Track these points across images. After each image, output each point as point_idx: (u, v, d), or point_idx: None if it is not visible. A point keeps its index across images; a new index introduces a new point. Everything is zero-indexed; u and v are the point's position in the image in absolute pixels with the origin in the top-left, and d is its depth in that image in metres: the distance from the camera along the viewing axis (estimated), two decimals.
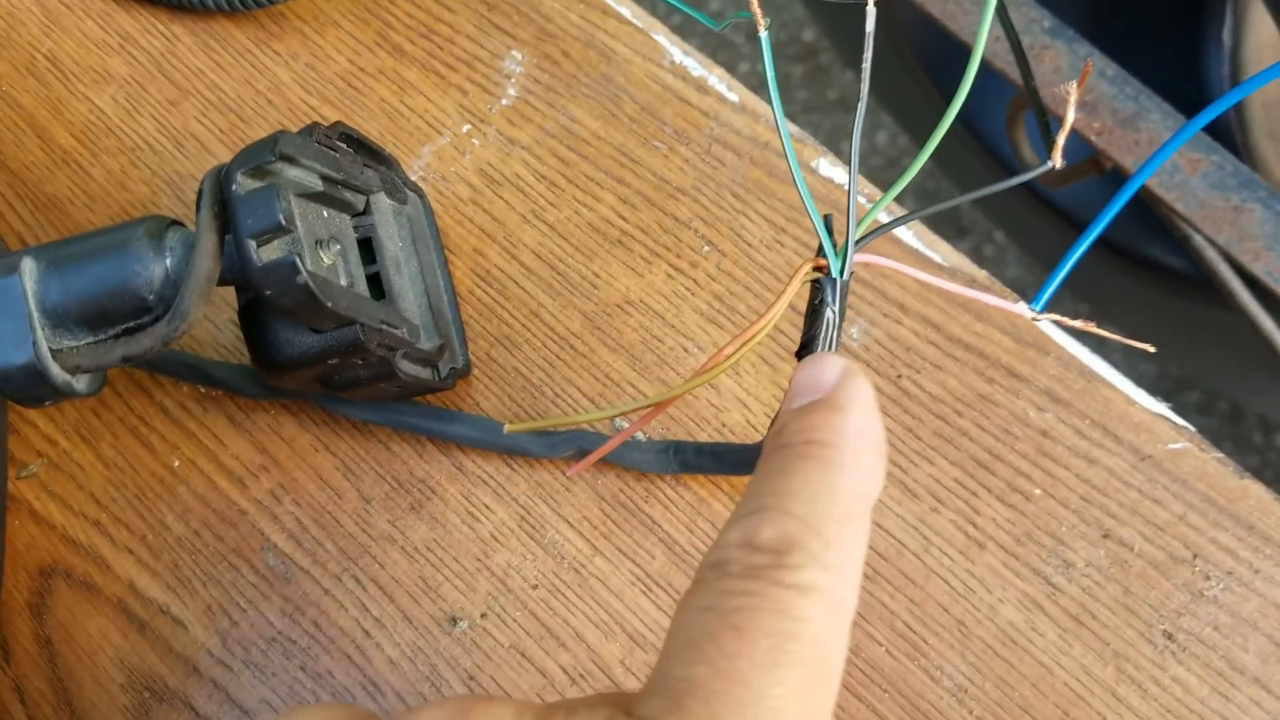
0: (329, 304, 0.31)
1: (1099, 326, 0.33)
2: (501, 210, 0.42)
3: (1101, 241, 0.68)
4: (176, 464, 0.40)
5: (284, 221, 0.31)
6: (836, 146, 1.44)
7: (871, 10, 0.32)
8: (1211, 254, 0.43)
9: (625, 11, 0.44)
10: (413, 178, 0.43)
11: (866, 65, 0.32)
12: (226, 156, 0.44)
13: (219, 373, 0.40)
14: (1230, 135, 0.61)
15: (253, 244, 0.31)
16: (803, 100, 1.44)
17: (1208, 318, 0.61)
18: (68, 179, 0.44)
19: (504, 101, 0.44)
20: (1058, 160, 0.33)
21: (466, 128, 0.43)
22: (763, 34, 0.33)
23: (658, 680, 0.22)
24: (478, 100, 0.44)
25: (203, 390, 0.41)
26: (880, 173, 1.39)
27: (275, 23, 0.46)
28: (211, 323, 0.42)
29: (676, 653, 0.23)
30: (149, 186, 0.44)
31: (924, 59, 0.68)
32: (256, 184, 0.32)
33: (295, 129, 0.44)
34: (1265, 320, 0.46)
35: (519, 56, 0.44)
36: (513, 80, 0.44)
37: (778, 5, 1.46)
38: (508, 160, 0.43)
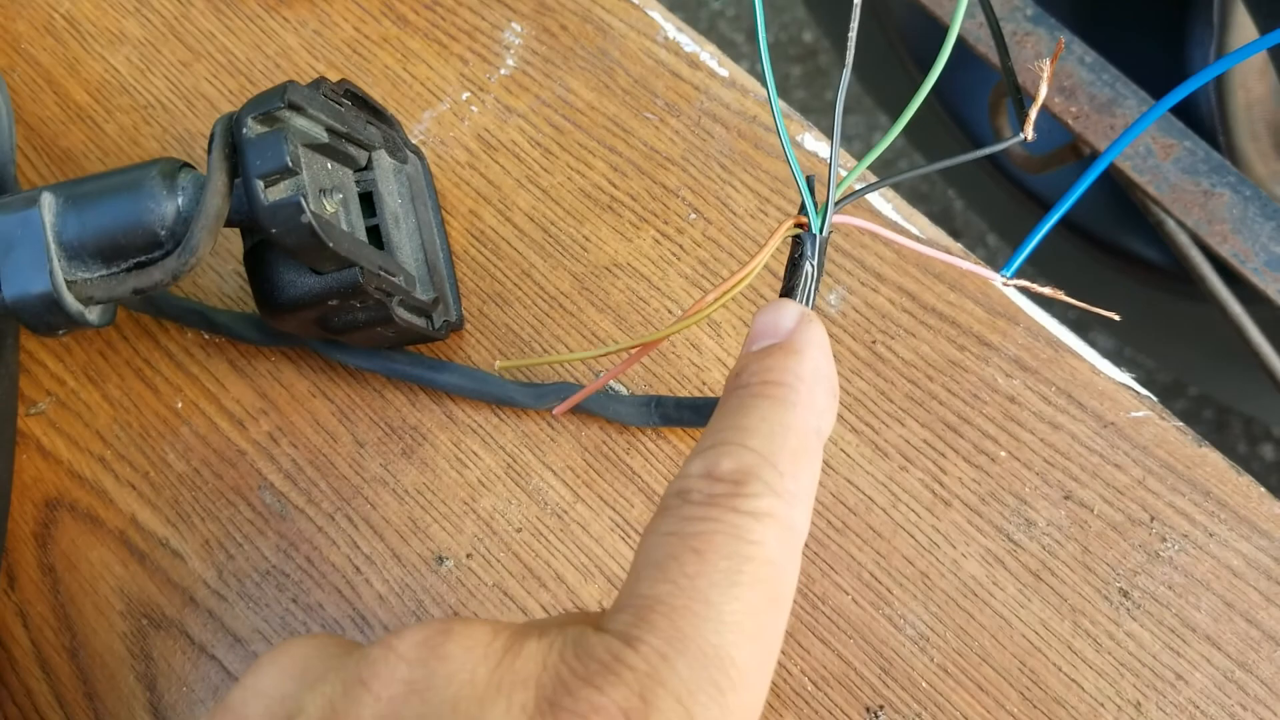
0: (330, 244, 0.33)
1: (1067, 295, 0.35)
2: (497, 174, 0.44)
3: (1083, 233, 0.69)
4: (179, 405, 0.42)
5: (290, 164, 0.32)
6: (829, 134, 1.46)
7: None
8: (1183, 239, 0.45)
9: None
10: (413, 141, 0.44)
11: (853, 35, 0.34)
12: None
13: (222, 319, 0.41)
14: (1214, 137, 0.63)
15: (260, 184, 0.32)
16: (801, 100, 1.46)
17: (1189, 313, 0.63)
18: (82, 134, 0.46)
19: (503, 71, 0.45)
20: (1029, 132, 0.34)
21: (466, 95, 0.45)
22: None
23: (624, 598, 0.24)
24: (477, 69, 0.45)
25: (206, 336, 0.42)
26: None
27: None
28: (216, 273, 0.43)
29: (642, 573, 0.24)
30: (160, 143, 0.45)
31: (916, 55, 0.70)
32: (265, 129, 0.33)
33: None
34: (1234, 305, 0.48)
35: (518, 29, 0.46)
36: (512, 51, 0.46)
37: (779, 6, 1.48)
38: (504, 127, 0.45)
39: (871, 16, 0.69)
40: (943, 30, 0.48)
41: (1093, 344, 0.40)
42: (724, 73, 0.45)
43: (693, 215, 0.43)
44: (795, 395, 0.26)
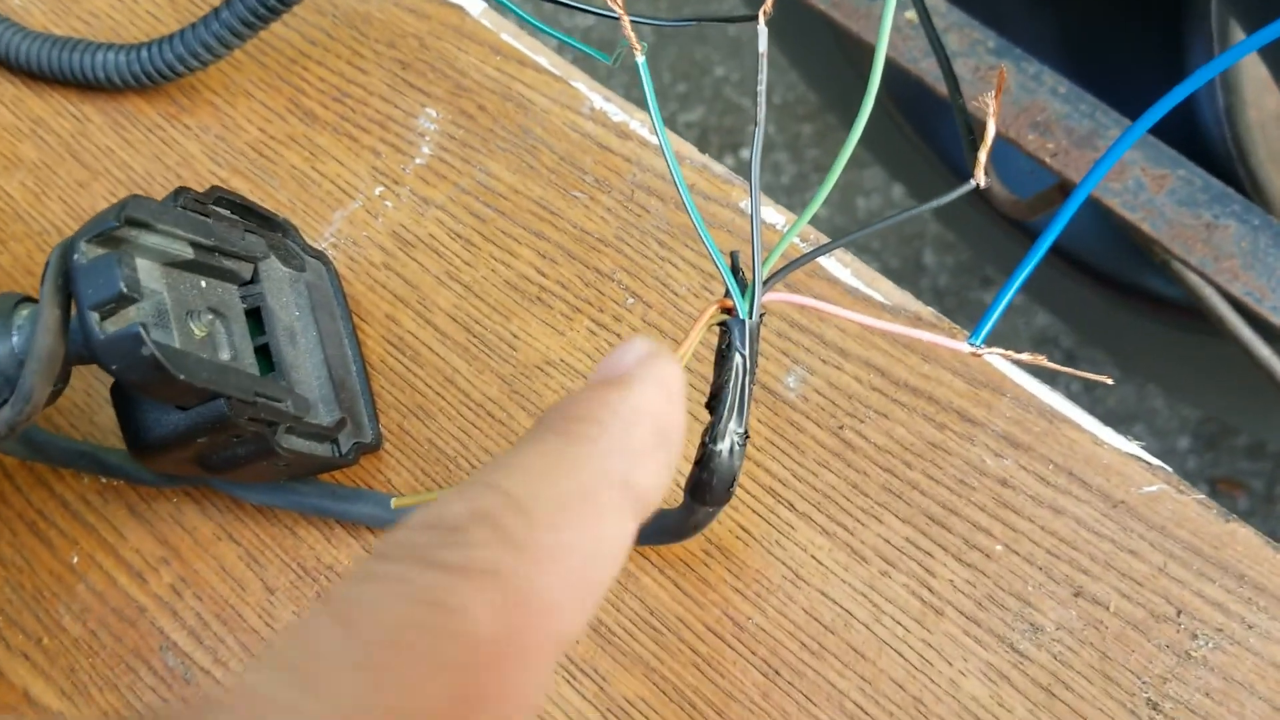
0: (181, 376, 0.29)
1: (1049, 359, 0.29)
2: (415, 273, 0.40)
3: (1095, 273, 0.64)
4: (75, 560, 0.38)
5: (126, 289, 0.28)
6: (849, 204, 1.41)
7: (763, 30, 0.30)
8: (1193, 278, 0.39)
9: (543, 60, 0.42)
10: (325, 244, 0.41)
11: (761, 89, 0.30)
12: None
13: (115, 460, 0.37)
14: (1229, 163, 0.57)
15: (95, 316, 0.28)
16: (814, 159, 1.42)
17: (1219, 352, 0.57)
18: None
19: (418, 161, 0.41)
20: (980, 178, 0.30)
21: (379, 190, 0.41)
22: (639, 58, 0.30)
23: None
24: (391, 161, 0.42)
25: (104, 481, 0.38)
26: (842, 210, 1.36)
27: (186, 95, 0.44)
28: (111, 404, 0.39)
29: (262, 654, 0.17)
30: None
31: (896, 96, 0.65)
32: (101, 252, 0.29)
33: None
34: (1260, 348, 0.42)
35: (433, 114, 0.42)
36: (427, 138, 0.42)
37: (781, 66, 1.45)
38: (422, 221, 0.40)
39: (846, 61, 0.65)
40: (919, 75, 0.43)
41: (1115, 399, 0.34)
42: (656, 141, 0.40)
43: (630, 300, 0.38)
44: (593, 431, 0.19)
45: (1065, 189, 0.42)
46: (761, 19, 0.30)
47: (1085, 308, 0.72)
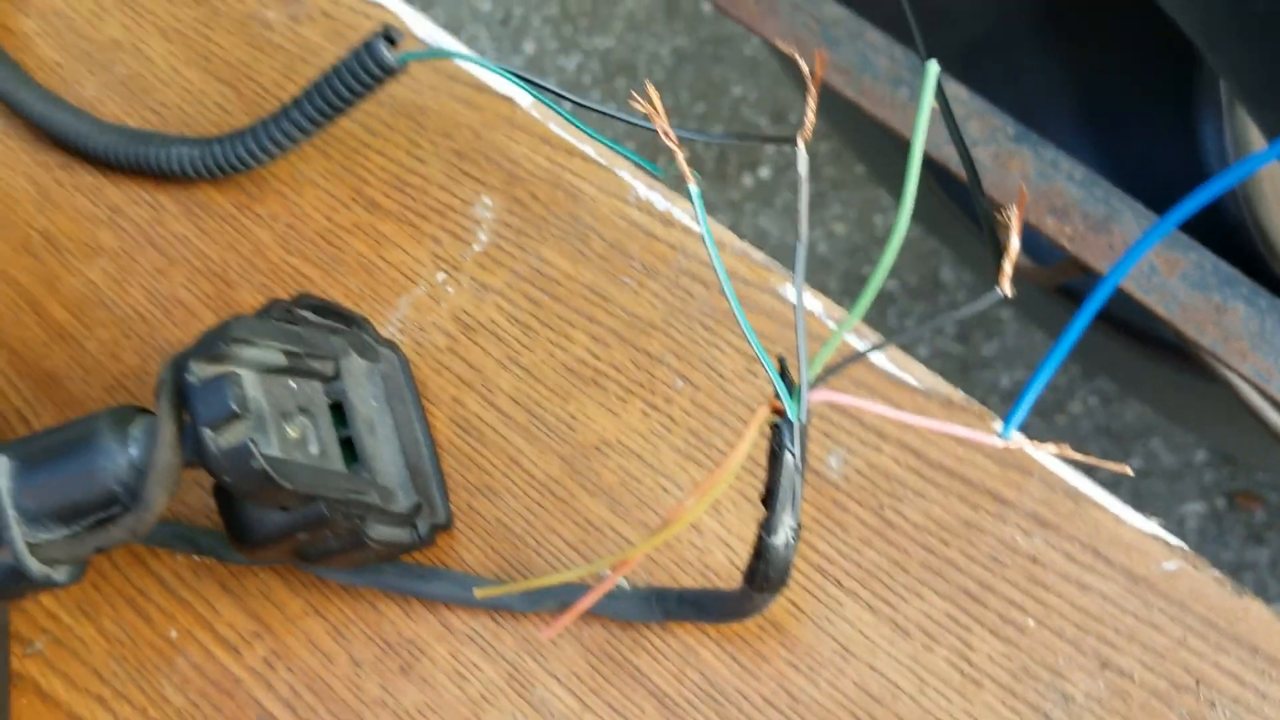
0: (288, 485, 0.32)
1: (1075, 449, 0.32)
2: (478, 357, 0.43)
3: (1122, 326, 0.66)
4: (174, 634, 0.41)
5: (236, 408, 0.31)
6: (867, 221, 1.43)
7: (802, 154, 0.32)
8: (1206, 355, 0.42)
9: (589, 150, 0.45)
10: (390, 330, 0.43)
11: (803, 207, 0.32)
12: (213, 321, 0.45)
13: (208, 542, 0.40)
14: (1243, 230, 0.59)
15: (209, 432, 0.31)
16: (831, 177, 1.44)
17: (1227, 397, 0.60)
18: (64, 353, 0.45)
19: (476, 248, 0.44)
20: (1006, 289, 0.32)
21: (441, 276, 0.44)
22: (693, 189, 0.33)
23: None
24: (451, 248, 0.44)
25: (195, 558, 0.41)
26: (867, 253, 1.39)
27: (256, 185, 0.47)
28: (202, 488, 0.42)
29: None
30: (140, 356, 0.45)
31: (935, 169, 0.68)
32: (213, 369, 0.32)
33: (279, 290, 0.45)
34: (1273, 415, 0.44)
35: (489, 202, 0.45)
36: (484, 226, 0.44)
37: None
38: (482, 306, 0.43)
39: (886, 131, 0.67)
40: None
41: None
42: (699, 229, 0.43)
43: (680, 383, 0.41)
44: None
45: (1082, 264, 0.45)
46: (801, 144, 0.33)
47: (1112, 359, 0.74)
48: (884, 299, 1.37)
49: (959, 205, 0.69)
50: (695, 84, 1.51)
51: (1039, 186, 0.42)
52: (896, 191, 0.84)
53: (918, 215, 0.84)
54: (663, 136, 0.32)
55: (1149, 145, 0.62)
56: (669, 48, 1.53)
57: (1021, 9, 0.65)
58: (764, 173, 1.46)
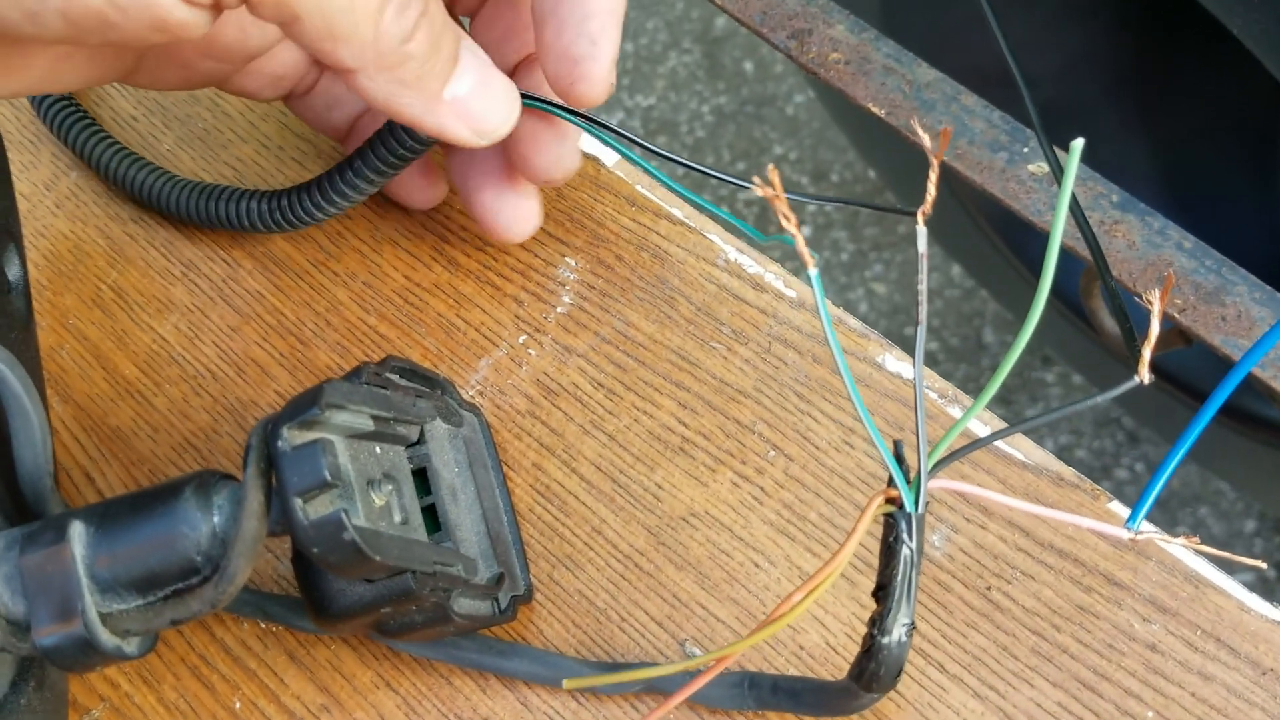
0: (378, 558, 0.30)
1: (1203, 543, 0.30)
2: (560, 421, 0.41)
3: (1175, 383, 0.64)
4: (238, 705, 0.39)
5: (330, 478, 0.30)
6: (906, 283, 1.42)
7: (922, 231, 0.31)
8: None
9: (678, 213, 0.44)
10: (470, 392, 0.42)
11: (923, 288, 0.31)
12: (286, 380, 0.44)
13: (277, 609, 0.39)
14: None
15: (299, 501, 0.30)
16: (872, 237, 1.44)
17: None
18: (131, 410, 0.44)
19: (559, 310, 0.43)
20: (1145, 376, 0.30)
21: (523, 338, 0.43)
22: (812, 272, 0.32)
23: None
24: (533, 310, 0.43)
25: (263, 625, 0.40)
26: (908, 313, 1.37)
27: (333, 243, 0.46)
28: (272, 553, 0.41)
29: None
30: (210, 414, 0.44)
31: (989, 216, 0.66)
32: (305, 436, 0.31)
33: (354, 348, 0.44)
34: None
35: (573, 263, 0.44)
36: (567, 287, 0.43)
37: (841, 145, 1.47)
38: (564, 369, 0.42)
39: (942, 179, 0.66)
40: (1018, 214, 0.45)
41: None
42: (791, 294, 0.42)
43: (772, 453, 0.39)
44: None
45: (1186, 336, 0.43)
46: (920, 219, 0.31)
47: (1159, 405, 0.72)
48: (926, 360, 1.35)
49: (1012, 250, 0.67)
50: (736, 143, 1.51)
51: (1148, 256, 0.40)
52: (975, 272, 0.83)
53: (963, 257, 0.83)
54: (783, 221, 0.31)
55: (1230, 214, 0.60)
56: (710, 106, 1.53)
57: (1098, 74, 0.64)
58: (805, 231, 1.45)
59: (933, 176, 0.31)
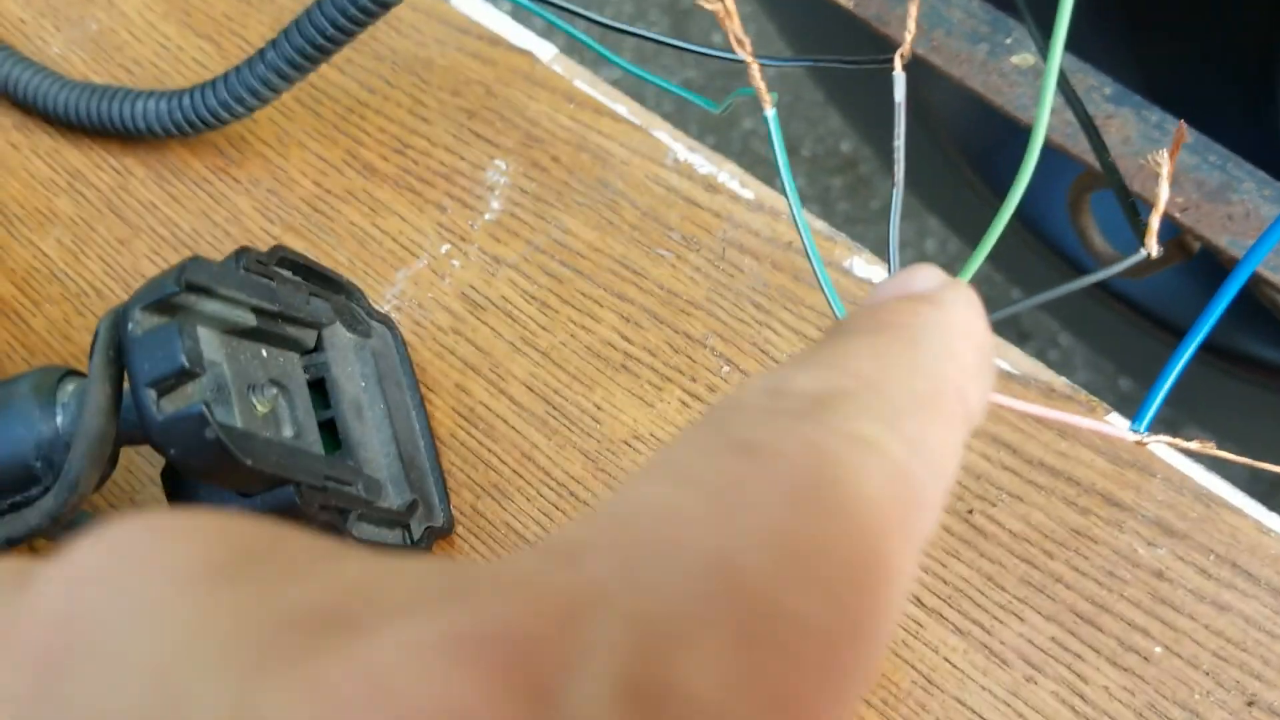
0: (249, 462, 0.25)
1: (1218, 447, 0.26)
2: (487, 339, 0.36)
3: (1171, 330, 0.61)
4: None
5: (188, 364, 0.25)
6: (882, 255, 1.38)
7: (900, 75, 0.27)
8: None
9: (621, 109, 0.39)
10: (387, 307, 0.37)
11: (900, 144, 0.27)
12: None
13: None
14: None
15: (152, 393, 0.25)
16: (845, 212, 1.40)
17: None
18: (7, 332, 0.39)
19: (487, 216, 0.38)
20: (1153, 247, 0.26)
21: (446, 248, 0.38)
22: (768, 112, 0.27)
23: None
24: (458, 217, 0.38)
25: None
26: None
27: (235, 147, 0.41)
28: (157, 485, 0.36)
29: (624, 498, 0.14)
30: (92, 335, 0.39)
31: (968, 150, 0.62)
32: (162, 320, 0.26)
33: None
34: None
35: (503, 166, 0.39)
36: (496, 192, 0.39)
37: (813, 118, 1.43)
38: (493, 281, 0.37)
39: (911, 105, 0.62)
40: (990, 111, 0.40)
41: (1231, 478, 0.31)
42: (748, 194, 0.37)
43: (725, 368, 0.35)
44: (925, 335, 0.17)
45: (1185, 246, 0.39)
46: (898, 64, 0.27)
47: (1154, 358, 0.68)
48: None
49: (992, 192, 0.63)
50: (705, 117, 1.47)
51: (1145, 152, 0.36)
52: (939, 208, 0.79)
53: (965, 232, 0.79)
54: (734, 43, 0.26)
55: (1223, 128, 0.55)
56: (679, 79, 1.49)
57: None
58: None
59: (912, 10, 0.27)
